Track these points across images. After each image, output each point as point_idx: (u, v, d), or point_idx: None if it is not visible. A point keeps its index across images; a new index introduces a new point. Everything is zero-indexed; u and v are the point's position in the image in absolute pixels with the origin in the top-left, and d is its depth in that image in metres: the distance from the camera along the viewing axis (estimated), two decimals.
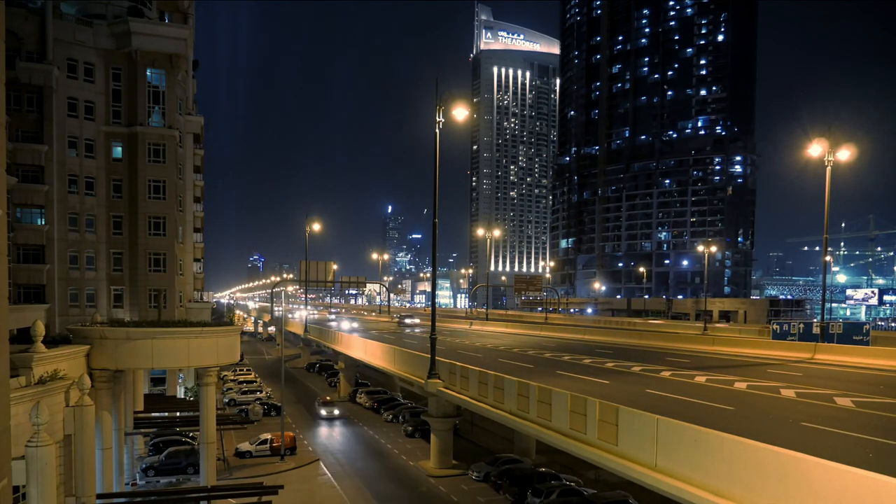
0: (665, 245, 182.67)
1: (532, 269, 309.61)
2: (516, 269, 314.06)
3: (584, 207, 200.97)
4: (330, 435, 51.05)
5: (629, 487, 30.48)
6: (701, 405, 24.08)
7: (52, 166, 42.23)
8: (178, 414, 43.85)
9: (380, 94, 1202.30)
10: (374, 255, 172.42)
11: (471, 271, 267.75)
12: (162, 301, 45.23)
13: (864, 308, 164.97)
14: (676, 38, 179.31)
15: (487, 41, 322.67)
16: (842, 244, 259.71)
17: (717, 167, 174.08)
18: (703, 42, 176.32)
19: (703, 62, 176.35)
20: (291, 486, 35.33)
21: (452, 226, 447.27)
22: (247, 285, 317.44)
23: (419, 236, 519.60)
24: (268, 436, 44.30)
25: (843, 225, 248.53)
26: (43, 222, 42.23)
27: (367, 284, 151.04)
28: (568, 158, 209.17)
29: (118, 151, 45.61)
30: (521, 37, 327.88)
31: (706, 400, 25.13)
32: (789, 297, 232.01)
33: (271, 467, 40.91)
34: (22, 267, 41.06)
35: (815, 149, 41.60)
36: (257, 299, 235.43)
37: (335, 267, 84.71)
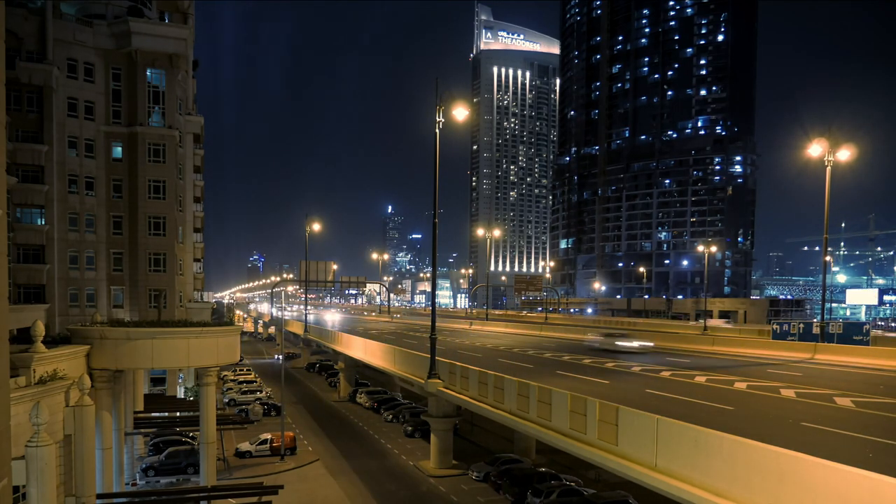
0: (665, 245, 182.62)
1: (532, 269, 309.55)
2: (516, 269, 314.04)
3: (584, 207, 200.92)
4: None
5: (629, 487, 30.47)
6: (701, 405, 24.09)
7: (52, 166, 42.25)
8: (178, 414, 43.86)
9: (380, 93, 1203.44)
10: (374, 255, 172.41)
11: (471, 271, 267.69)
12: (162, 301, 45.24)
13: (863, 308, 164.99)
14: (676, 38, 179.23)
15: (487, 41, 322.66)
16: (842, 244, 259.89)
17: (717, 167, 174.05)
18: (703, 42, 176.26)
19: (703, 62, 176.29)
20: (291, 486, 35.34)
21: (452, 226, 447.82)
22: (247, 285, 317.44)
23: (419, 236, 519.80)
24: (268, 436, 44.28)
25: (843, 225, 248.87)
26: (43, 222, 42.24)
27: (367, 284, 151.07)
28: (568, 158, 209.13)
29: (118, 151, 45.64)
30: (521, 37, 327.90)
31: (706, 400, 25.13)
32: (789, 297, 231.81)
33: (271, 467, 40.91)
34: (22, 267, 41.07)
35: (815, 149, 41.61)
36: (258, 300, 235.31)
37: (335, 267, 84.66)
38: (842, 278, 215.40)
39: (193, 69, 60.66)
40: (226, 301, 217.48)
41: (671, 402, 24.78)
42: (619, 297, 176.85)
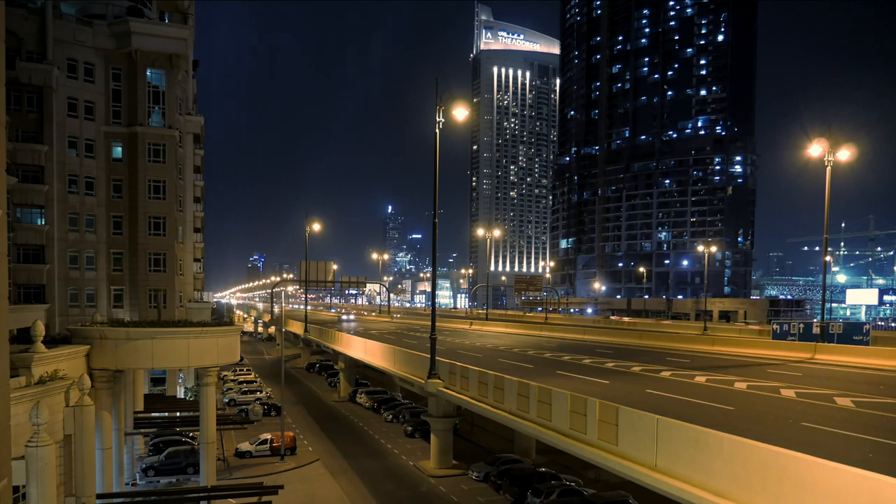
0: (665, 245, 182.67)
1: (532, 269, 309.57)
2: (516, 269, 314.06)
3: (584, 207, 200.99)
4: None
5: (629, 487, 30.47)
6: (701, 405, 24.09)
7: (52, 166, 42.22)
8: (178, 414, 43.84)
9: (380, 93, 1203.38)
10: (374, 255, 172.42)
11: (471, 271, 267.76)
12: (162, 301, 45.25)
13: (863, 308, 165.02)
14: (676, 38, 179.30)
15: (487, 41, 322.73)
16: (842, 244, 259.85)
17: (717, 167, 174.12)
18: (702, 42, 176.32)
19: (703, 62, 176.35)
20: (291, 486, 35.33)
21: (452, 226, 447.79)
22: (247, 285, 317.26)
23: (419, 236, 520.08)
24: (268, 436, 44.28)
25: (843, 225, 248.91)
26: (43, 222, 42.22)
27: (367, 284, 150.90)
28: (568, 158, 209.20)
29: (118, 151, 45.61)
30: (521, 37, 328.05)
31: (706, 400, 25.14)
32: (789, 297, 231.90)
33: (271, 467, 40.90)
34: (22, 267, 41.05)
35: (815, 149, 41.61)
36: (257, 299, 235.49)
37: (335, 267, 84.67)
38: (842, 278, 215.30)
39: (193, 69, 60.63)
40: (225, 301, 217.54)
41: (671, 402, 24.78)
42: (619, 297, 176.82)
